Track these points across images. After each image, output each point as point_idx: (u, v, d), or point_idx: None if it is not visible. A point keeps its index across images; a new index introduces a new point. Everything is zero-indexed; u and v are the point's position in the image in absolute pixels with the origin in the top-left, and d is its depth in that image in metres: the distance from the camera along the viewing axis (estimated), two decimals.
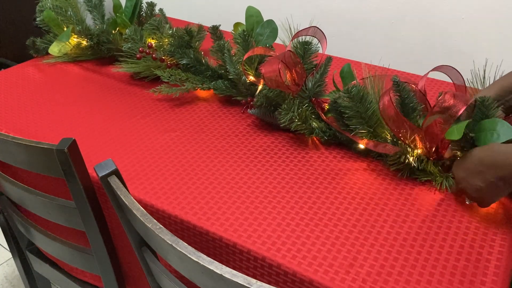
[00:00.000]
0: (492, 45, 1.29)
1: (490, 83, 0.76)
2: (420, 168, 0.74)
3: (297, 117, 0.82)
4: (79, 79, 1.08)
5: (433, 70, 0.79)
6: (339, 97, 0.78)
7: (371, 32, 1.47)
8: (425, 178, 0.74)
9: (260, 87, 0.87)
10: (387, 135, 0.76)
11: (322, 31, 0.89)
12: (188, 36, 1.02)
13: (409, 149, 0.73)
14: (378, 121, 0.76)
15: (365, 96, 0.76)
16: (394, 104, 0.72)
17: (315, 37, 0.90)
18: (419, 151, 0.72)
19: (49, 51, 1.13)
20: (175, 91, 0.97)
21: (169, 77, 0.98)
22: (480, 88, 0.78)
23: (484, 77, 0.77)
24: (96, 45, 1.13)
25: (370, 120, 0.76)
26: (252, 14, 0.98)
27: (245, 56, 0.89)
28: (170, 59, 1.03)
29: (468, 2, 1.27)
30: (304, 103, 0.84)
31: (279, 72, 0.79)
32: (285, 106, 0.83)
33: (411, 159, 0.73)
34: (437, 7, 1.32)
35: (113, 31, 1.12)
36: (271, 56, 0.90)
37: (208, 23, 1.09)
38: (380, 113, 0.74)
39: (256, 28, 0.97)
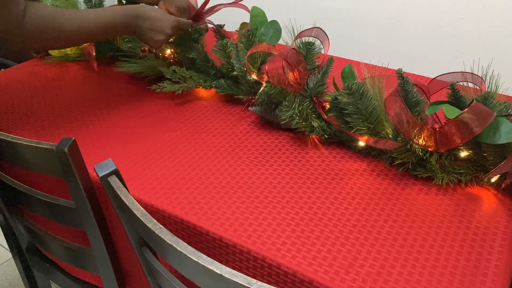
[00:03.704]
0: (492, 45, 1.29)
1: (491, 83, 0.76)
2: (424, 158, 0.74)
3: (298, 115, 0.82)
4: (79, 79, 1.08)
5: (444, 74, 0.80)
6: (339, 94, 0.79)
7: (371, 32, 1.47)
8: (426, 175, 0.75)
9: (263, 85, 0.88)
10: (388, 132, 0.76)
11: (325, 32, 0.90)
12: (196, 34, 1.02)
13: (413, 144, 0.73)
14: (378, 118, 0.77)
15: (365, 92, 0.76)
16: (400, 98, 0.72)
17: (318, 38, 0.90)
18: (424, 142, 0.72)
19: (49, 51, 1.13)
20: (177, 88, 0.97)
21: (172, 74, 0.98)
22: (478, 88, 0.78)
23: (485, 77, 0.77)
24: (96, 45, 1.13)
25: (370, 116, 0.76)
26: (257, 14, 0.99)
27: (249, 52, 0.90)
28: (174, 54, 1.03)
29: (468, 2, 1.27)
30: (305, 101, 0.84)
31: (282, 69, 0.80)
32: (286, 103, 0.83)
33: (416, 147, 0.73)
34: (437, 7, 1.33)
35: None
36: (275, 54, 0.90)
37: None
38: (384, 106, 0.74)
39: (260, 28, 0.98)
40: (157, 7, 0.97)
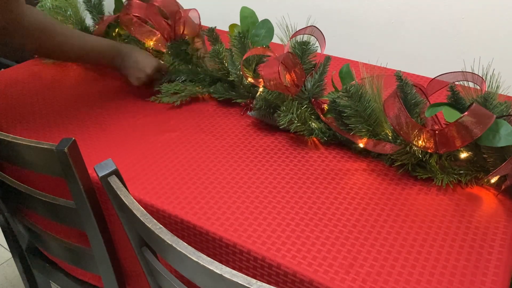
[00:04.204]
0: (492, 45, 1.29)
1: (491, 83, 0.76)
2: (424, 160, 0.74)
3: (296, 119, 0.82)
4: (79, 79, 1.08)
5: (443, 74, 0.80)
6: (338, 96, 0.78)
7: (371, 32, 1.47)
8: (426, 176, 0.74)
9: (260, 90, 0.87)
10: (388, 133, 0.76)
11: (320, 30, 0.89)
12: (185, 45, 1.01)
13: (412, 146, 0.73)
14: (377, 119, 0.77)
15: (363, 95, 0.76)
16: (398, 100, 0.72)
17: (313, 35, 0.89)
18: (423, 144, 0.72)
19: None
20: (176, 99, 0.96)
21: (168, 89, 0.98)
22: (478, 88, 0.78)
23: (485, 77, 0.77)
24: None
25: (369, 118, 0.76)
26: (247, 15, 0.96)
27: (244, 57, 0.89)
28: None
29: (468, 2, 1.27)
30: (303, 104, 0.84)
31: (279, 75, 0.79)
32: (284, 107, 0.82)
33: (416, 149, 0.73)
34: (437, 7, 1.32)
35: (113, 33, 1.11)
36: (269, 56, 0.90)
37: (204, 22, 1.09)
38: (383, 108, 0.74)
39: (251, 29, 0.97)
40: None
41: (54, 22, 0.86)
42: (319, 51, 0.90)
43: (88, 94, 1.02)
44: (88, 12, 1.15)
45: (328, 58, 0.86)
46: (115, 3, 1.14)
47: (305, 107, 0.83)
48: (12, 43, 0.81)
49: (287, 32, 0.90)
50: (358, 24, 1.49)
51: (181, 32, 1.01)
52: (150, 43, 1.04)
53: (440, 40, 1.36)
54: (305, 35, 0.91)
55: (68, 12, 1.13)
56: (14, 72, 1.12)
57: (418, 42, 1.40)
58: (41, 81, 1.08)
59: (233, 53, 0.93)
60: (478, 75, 0.77)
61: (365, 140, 0.77)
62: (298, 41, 0.88)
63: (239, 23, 0.98)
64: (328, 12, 1.53)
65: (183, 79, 0.99)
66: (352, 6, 1.47)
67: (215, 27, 0.97)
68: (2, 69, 1.15)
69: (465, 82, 0.78)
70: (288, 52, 0.84)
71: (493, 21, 1.26)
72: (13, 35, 0.80)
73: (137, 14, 1.00)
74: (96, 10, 1.15)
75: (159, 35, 1.02)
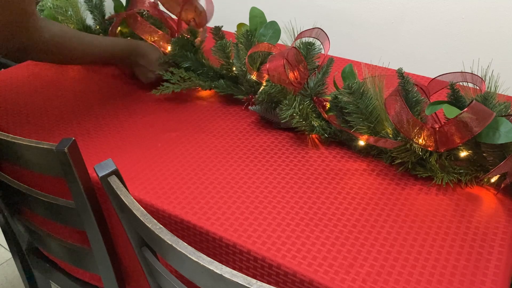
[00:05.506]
0: (492, 45, 1.29)
1: (491, 83, 0.76)
2: (424, 158, 0.74)
3: (298, 114, 0.82)
4: (79, 79, 1.08)
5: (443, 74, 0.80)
6: (340, 93, 0.79)
7: (371, 32, 1.47)
8: (426, 174, 0.75)
9: (263, 85, 0.88)
10: (388, 132, 0.76)
11: (325, 33, 0.90)
12: (192, 36, 1.02)
13: (412, 143, 0.73)
14: (379, 117, 0.77)
15: (365, 92, 0.76)
16: (400, 97, 0.72)
17: (318, 39, 0.90)
18: (424, 142, 0.72)
19: None
20: (177, 88, 0.96)
21: (171, 76, 0.98)
22: (478, 88, 0.78)
23: (484, 78, 0.77)
24: None
25: (370, 116, 0.76)
26: (256, 15, 0.99)
27: (250, 51, 0.90)
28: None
29: (468, 2, 1.27)
30: (305, 100, 0.84)
31: (283, 67, 0.80)
32: (287, 102, 0.83)
33: (416, 147, 0.73)
34: (437, 7, 1.33)
35: (116, 31, 1.11)
36: (275, 53, 0.90)
37: (210, 23, 1.09)
38: (384, 106, 0.74)
39: (259, 29, 0.98)
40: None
41: (69, 31, 0.87)
42: (322, 52, 0.90)
43: (88, 94, 1.02)
44: (89, 12, 1.15)
45: (331, 59, 0.87)
46: (114, 3, 1.14)
47: (307, 104, 0.84)
48: (29, 59, 0.83)
49: (291, 35, 0.91)
50: (358, 24, 1.49)
51: (188, 20, 1.01)
52: (153, 41, 1.04)
53: (440, 40, 1.36)
54: (310, 37, 0.92)
55: (69, 12, 1.13)
56: (14, 72, 1.12)
57: (418, 42, 1.40)
58: (41, 81, 1.08)
59: (239, 49, 0.94)
60: (477, 75, 0.77)
61: (366, 136, 0.77)
62: (303, 42, 0.88)
63: (246, 24, 1.00)
64: (328, 12, 1.53)
65: (188, 64, 0.99)
66: (352, 6, 1.47)
67: (222, 26, 0.98)
68: (2, 69, 1.15)
69: (464, 82, 0.78)
70: (293, 47, 0.85)
71: (493, 21, 1.26)
72: (31, 53, 0.81)
73: (143, 8, 1.02)
74: (97, 10, 1.15)
75: (161, 33, 1.02)
